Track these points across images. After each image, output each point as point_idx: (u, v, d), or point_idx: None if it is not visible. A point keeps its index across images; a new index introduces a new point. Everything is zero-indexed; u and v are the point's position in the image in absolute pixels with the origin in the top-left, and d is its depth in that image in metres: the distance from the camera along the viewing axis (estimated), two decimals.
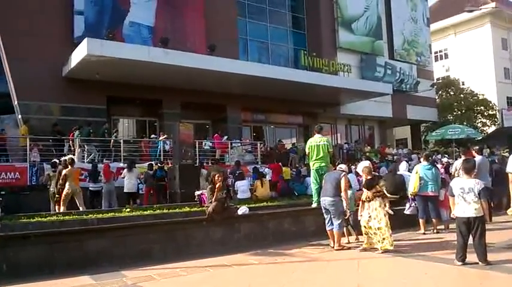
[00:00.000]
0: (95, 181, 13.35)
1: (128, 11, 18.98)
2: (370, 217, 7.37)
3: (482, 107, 33.49)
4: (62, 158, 12.68)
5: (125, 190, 13.22)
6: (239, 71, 18.15)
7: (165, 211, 10.58)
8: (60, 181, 11.49)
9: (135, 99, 18.72)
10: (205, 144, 18.01)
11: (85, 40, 15.09)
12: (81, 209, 11.37)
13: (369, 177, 7.64)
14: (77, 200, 11.65)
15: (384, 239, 7.20)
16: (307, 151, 10.58)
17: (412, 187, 9.28)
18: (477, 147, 11.07)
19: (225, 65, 17.70)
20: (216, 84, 18.70)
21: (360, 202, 7.72)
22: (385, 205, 7.46)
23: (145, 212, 10.41)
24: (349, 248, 7.83)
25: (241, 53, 22.84)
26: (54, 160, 13.28)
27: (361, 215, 7.55)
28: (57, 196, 11.65)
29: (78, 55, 15.54)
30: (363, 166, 7.98)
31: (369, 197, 7.44)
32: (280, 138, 23.33)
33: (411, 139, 33.35)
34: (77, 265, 7.85)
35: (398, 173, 11.57)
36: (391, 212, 7.45)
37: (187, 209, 10.81)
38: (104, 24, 18.09)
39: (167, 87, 18.36)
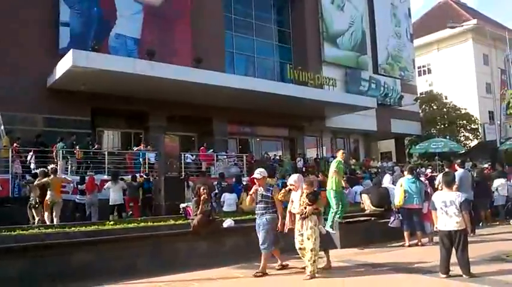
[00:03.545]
0: (82, 193, 13.20)
1: (114, 23, 18.97)
2: (302, 235, 6.64)
3: (464, 121, 34.01)
4: (49, 167, 12.44)
5: (111, 203, 13.07)
6: (225, 84, 18.21)
7: (149, 223, 10.46)
8: (38, 191, 11.37)
9: (121, 111, 18.60)
10: (187, 157, 17.92)
11: (70, 51, 15.03)
12: (55, 220, 11.14)
13: (310, 190, 6.79)
14: (54, 210, 11.41)
15: (314, 261, 6.51)
16: None
17: (398, 199, 9.37)
18: (459, 160, 11.25)
19: (212, 78, 17.75)
20: (202, 97, 18.70)
21: (290, 216, 6.96)
22: (319, 224, 6.79)
23: (129, 225, 10.28)
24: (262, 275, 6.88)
25: (228, 66, 22.95)
26: (35, 171, 13.10)
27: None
28: (36, 205, 11.49)
29: (63, 66, 15.45)
30: (296, 177, 7.11)
31: (304, 214, 6.62)
32: (266, 151, 23.44)
33: (395, 152, 33.63)
34: (60, 279, 7.71)
35: (382, 186, 11.66)
36: (323, 231, 6.96)
37: (172, 222, 10.70)
38: (90, 35, 18.04)
39: (153, 99, 18.31)
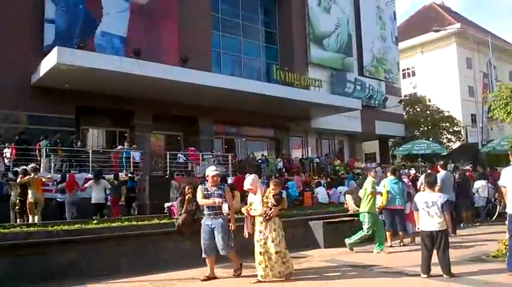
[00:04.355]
0: (62, 192, 13.05)
1: (100, 20, 18.80)
2: (266, 238, 6.37)
3: (447, 124, 34.45)
4: (29, 166, 12.30)
5: (93, 201, 12.98)
6: (212, 83, 18.18)
7: (133, 223, 10.41)
8: (19, 189, 11.27)
9: (106, 109, 18.44)
10: (179, 157, 17.96)
11: (55, 49, 14.87)
12: (35, 218, 11.03)
13: (276, 191, 6.59)
14: (36, 209, 11.27)
15: (284, 263, 6.38)
16: None
17: (380, 200, 9.46)
18: (441, 162, 11.42)
19: (198, 78, 17.71)
20: (188, 96, 18.65)
21: (249, 219, 6.71)
22: (282, 226, 6.61)
23: (113, 224, 10.23)
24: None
25: (214, 65, 22.93)
26: (16, 168, 12.93)
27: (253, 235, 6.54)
28: (17, 207, 11.38)
29: (47, 64, 15.28)
30: (251, 180, 6.72)
31: (268, 215, 6.38)
32: (252, 151, 23.48)
33: (379, 154, 33.97)
34: (43, 279, 7.65)
35: None
36: (283, 232, 6.63)
37: (156, 221, 10.68)
38: (75, 33, 17.88)
39: (139, 98, 18.22)
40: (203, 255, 6.72)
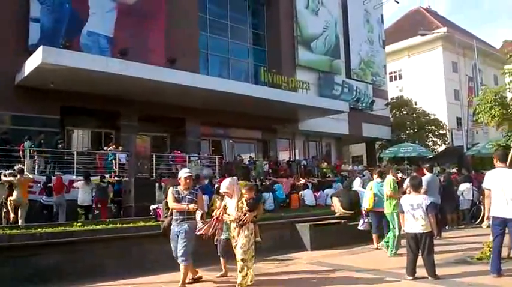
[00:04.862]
0: (48, 194, 12.87)
1: (86, 20, 18.60)
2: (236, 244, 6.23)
3: (433, 127, 34.76)
4: (15, 167, 12.05)
5: (79, 202, 12.83)
6: (199, 85, 18.08)
7: (118, 225, 10.33)
8: (7, 189, 11.07)
9: (91, 110, 18.23)
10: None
11: (40, 48, 14.64)
12: (19, 222, 10.77)
13: (250, 196, 6.31)
14: (19, 212, 11.00)
15: (246, 274, 6.11)
16: None
17: (367, 203, 9.47)
18: (427, 165, 11.52)
19: (185, 79, 17.61)
20: (176, 97, 18.55)
21: (214, 223, 6.47)
22: (255, 233, 6.43)
23: (97, 227, 10.13)
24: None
25: (202, 67, 22.83)
26: (1, 171, 12.72)
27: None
28: (4, 210, 11.21)
29: (32, 63, 15.05)
30: (228, 183, 6.48)
31: (242, 221, 6.15)
32: (239, 153, 23.44)
33: (366, 156, 34.16)
34: (27, 281, 7.54)
35: (352, 189, 11.83)
36: (259, 239, 6.56)
37: (141, 223, 10.60)
38: (61, 32, 17.63)
39: (125, 98, 18.03)
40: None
